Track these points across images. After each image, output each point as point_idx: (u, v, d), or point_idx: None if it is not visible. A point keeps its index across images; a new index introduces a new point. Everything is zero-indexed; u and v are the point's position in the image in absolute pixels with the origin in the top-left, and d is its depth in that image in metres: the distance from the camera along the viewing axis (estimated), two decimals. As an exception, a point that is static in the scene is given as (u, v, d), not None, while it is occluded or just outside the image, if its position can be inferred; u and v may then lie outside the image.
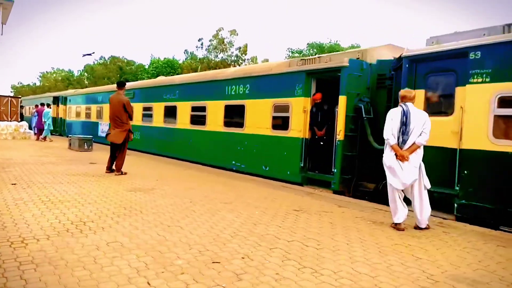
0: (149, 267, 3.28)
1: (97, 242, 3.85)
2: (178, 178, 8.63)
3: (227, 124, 10.92)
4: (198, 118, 12.12)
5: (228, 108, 10.92)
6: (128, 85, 13.68)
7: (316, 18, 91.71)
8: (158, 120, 14.32)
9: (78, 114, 22.22)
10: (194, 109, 12.32)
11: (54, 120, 24.37)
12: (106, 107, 17.13)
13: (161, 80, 16.40)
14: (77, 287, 2.82)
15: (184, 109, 12.74)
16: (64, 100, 24.95)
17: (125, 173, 8.62)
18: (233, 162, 10.51)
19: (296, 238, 4.35)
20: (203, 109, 11.86)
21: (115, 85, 9.28)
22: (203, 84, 12.21)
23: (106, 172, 8.68)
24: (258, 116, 9.79)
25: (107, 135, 8.97)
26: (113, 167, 8.75)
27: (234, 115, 10.79)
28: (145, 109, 15.39)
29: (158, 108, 14.35)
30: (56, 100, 26.22)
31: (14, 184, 6.73)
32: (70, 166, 9.55)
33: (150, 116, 14.88)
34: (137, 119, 14.80)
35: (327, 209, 6.08)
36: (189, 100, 12.54)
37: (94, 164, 10.37)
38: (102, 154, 13.57)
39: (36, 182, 7.01)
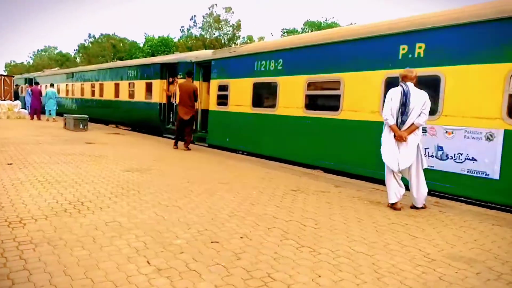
0: (148, 247, 3.29)
1: (96, 222, 3.86)
2: (175, 158, 8.61)
3: None
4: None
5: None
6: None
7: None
8: None
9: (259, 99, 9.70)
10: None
11: (162, 110, 13.91)
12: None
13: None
14: (77, 266, 2.82)
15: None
16: (200, 70, 11.98)
17: (190, 149, 10.28)
18: None
19: (294, 218, 4.38)
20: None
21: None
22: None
23: (174, 148, 10.31)
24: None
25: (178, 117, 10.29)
26: (178, 144, 10.43)
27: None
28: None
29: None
30: (167, 71, 13.60)
31: (10, 164, 6.69)
32: (66, 146, 9.49)
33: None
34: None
35: (324, 189, 6.11)
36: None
37: (90, 144, 10.33)
38: (98, 134, 13.51)
39: (32, 162, 6.96)
